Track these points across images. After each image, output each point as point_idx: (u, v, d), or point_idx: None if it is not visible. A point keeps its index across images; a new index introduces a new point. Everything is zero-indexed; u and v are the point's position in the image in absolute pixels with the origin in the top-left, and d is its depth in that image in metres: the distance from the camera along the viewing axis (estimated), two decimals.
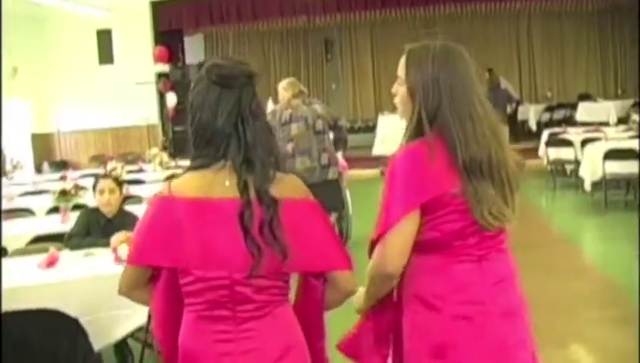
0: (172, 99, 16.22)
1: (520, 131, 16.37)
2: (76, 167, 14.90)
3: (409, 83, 2.23)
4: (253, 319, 2.04)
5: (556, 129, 13.37)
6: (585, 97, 18.18)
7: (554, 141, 11.62)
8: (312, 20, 17.72)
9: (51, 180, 10.29)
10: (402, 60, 2.29)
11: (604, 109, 16.04)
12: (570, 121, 16.94)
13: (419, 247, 2.19)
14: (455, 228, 2.17)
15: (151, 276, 2.16)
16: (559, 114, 17.50)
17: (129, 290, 2.19)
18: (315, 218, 2.11)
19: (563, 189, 11.60)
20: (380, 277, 2.22)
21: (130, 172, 10.45)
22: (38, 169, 15.74)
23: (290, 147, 7.03)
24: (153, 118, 16.77)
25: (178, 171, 10.13)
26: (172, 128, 16.67)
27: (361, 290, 2.32)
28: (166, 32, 16.86)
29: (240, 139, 2.01)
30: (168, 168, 10.42)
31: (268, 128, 2.10)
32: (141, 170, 10.82)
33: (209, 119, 2.02)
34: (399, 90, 2.29)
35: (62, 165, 15.59)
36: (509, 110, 14.47)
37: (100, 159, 15.96)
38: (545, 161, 11.69)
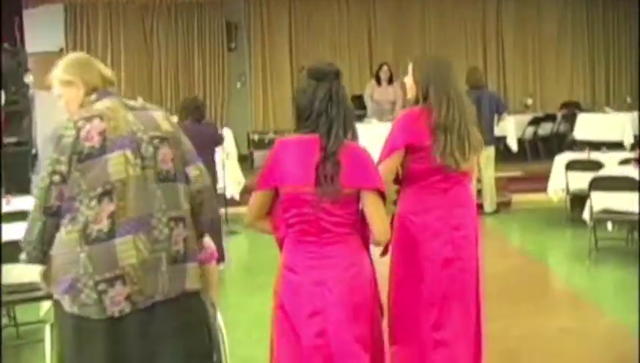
0: None
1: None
2: None
3: (415, 78, 3.76)
4: (331, 243, 3.02)
5: (574, 155, 8.77)
6: (571, 106, 13.77)
7: (603, 183, 6.85)
8: None
9: None
10: (410, 66, 3.81)
11: (616, 124, 11.51)
12: (562, 139, 12.50)
13: (407, 178, 3.67)
14: (423, 168, 3.60)
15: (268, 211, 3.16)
16: (544, 129, 12.93)
17: (255, 219, 3.18)
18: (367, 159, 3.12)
19: (607, 255, 7.00)
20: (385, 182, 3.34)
21: None
22: None
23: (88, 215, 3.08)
24: None
25: None
26: (0, 142, 11.26)
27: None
28: None
29: (327, 117, 2.98)
30: None
31: (350, 111, 3.08)
32: None
33: (308, 104, 3.01)
34: (408, 81, 3.81)
35: None
36: (496, 120, 9.84)
37: None
38: (587, 213, 6.94)
